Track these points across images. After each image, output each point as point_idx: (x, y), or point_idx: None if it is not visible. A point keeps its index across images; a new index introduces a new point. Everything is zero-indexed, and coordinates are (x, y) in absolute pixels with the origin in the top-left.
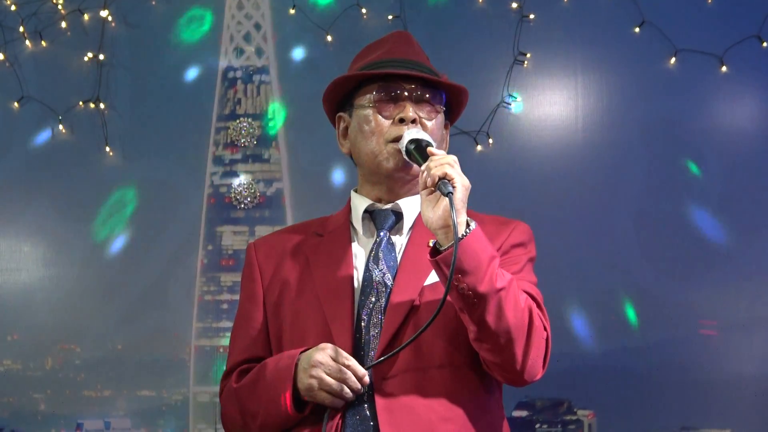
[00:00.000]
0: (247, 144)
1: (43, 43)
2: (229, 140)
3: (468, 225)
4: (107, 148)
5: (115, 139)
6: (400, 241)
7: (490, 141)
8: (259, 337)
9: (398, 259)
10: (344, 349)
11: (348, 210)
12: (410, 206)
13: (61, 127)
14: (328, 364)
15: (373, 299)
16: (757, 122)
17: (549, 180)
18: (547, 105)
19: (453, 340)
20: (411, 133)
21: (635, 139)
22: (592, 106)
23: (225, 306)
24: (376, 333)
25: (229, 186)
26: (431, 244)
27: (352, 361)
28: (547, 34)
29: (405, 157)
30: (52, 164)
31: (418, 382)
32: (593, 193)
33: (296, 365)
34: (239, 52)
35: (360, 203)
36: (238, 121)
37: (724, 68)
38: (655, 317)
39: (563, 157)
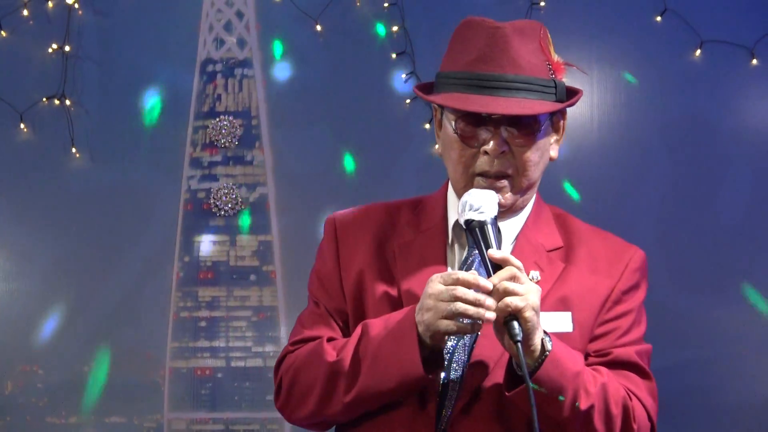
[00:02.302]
0: (227, 145)
1: (2, 33)
2: (208, 140)
3: (543, 348)
4: (73, 150)
5: (83, 140)
6: None
7: None
8: (340, 318)
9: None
10: (429, 390)
11: (444, 204)
12: (510, 226)
13: (22, 126)
14: (438, 293)
15: (452, 345)
16: None
17: (561, 184)
18: None
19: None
20: (473, 204)
21: (656, 139)
22: (609, 103)
23: (203, 324)
24: (457, 377)
25: (208, 191)
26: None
27: (464, 275)
28: (559, 24)
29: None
30: (12, 168)
31: None
32: (610, 199)
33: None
34: (219, 43)
35: (454, 207)
36: (218, 119)
37: (754, 61)
38: (679, 336)
39: (577, 160)
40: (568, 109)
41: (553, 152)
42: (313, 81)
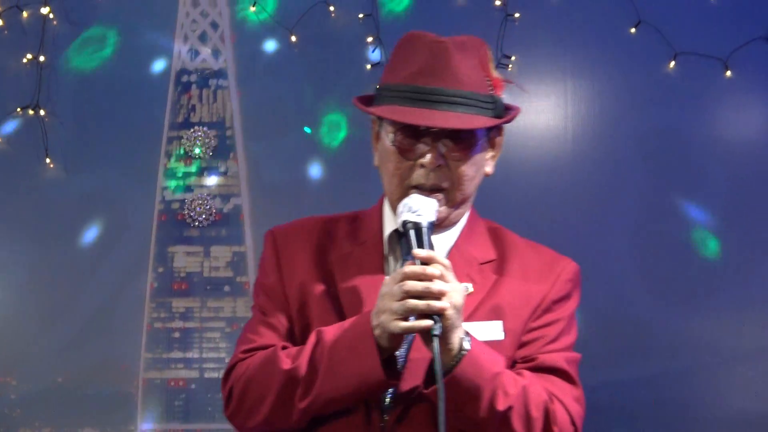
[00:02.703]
0: (202, 155)
1: None
2: (182, 151)
3: (461, 348)
4: (47, 160)
5: (57, 150)
6: None
7: None
8: (287, 328)
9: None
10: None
11: (380, 218)
12: (443, 240)
13: None
14: (390, 293)
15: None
16: (765, 132)
17: (535, 196)
18: (534, 113)
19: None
20: (412, 206)
21: (631, 150)
22: (583, 114)
23: (177, 335)
24: (391, 390)
25: (182, 202)
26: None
27: (410, 268)
28: (533, 35)
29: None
30: None
31: None
32: (584, 210)
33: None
34: (194, 53)
35: (389, 220)
36: (192, 130)
37: (728, 73)
38: (651, 347)
39: (551, 171)
40: (544, 124)
41: (489, 168)
42: (288, 92)
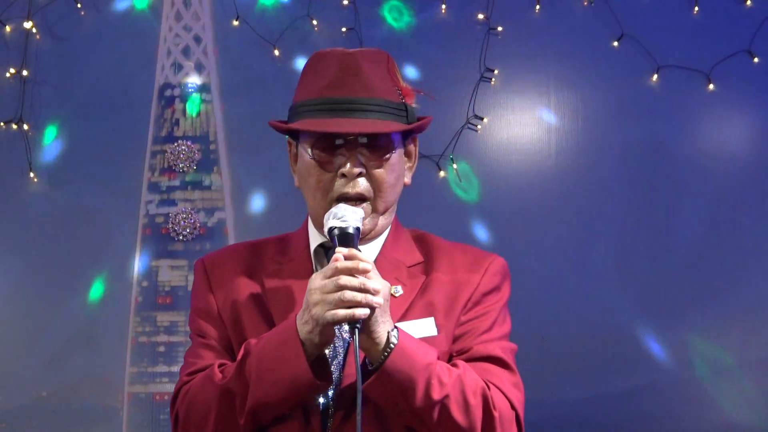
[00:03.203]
0: (186, 169)
1: None
2: (166, 165)
3: (389, 340)
4: (31, 174)
5: (40, 164)
6: None
7: (455, 166)
8: (225, 347)
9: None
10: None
11: (306, 236)
12: (369, 249)
13: None
14: (322, 287)
15: (329, 353)
16: (747, 145)
17: (519, 210)
18: (517, 126)
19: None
20: (337, 213)
21: (614, 164)
22: (567, 128)
23: (162, 348)
24: (332, 393)
25: (167, 216)
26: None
27: (343, 263)
28: (516, 49)
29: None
30: None
31: None
32: (568, 225)
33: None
34: (177, 67)
35: (314, 237)
36: (176, 144)
37: (711, 86)
38: (637, 362)
39: (535, 185)
40: (527, 138)
41: (407, 178)
42: (272, 105)
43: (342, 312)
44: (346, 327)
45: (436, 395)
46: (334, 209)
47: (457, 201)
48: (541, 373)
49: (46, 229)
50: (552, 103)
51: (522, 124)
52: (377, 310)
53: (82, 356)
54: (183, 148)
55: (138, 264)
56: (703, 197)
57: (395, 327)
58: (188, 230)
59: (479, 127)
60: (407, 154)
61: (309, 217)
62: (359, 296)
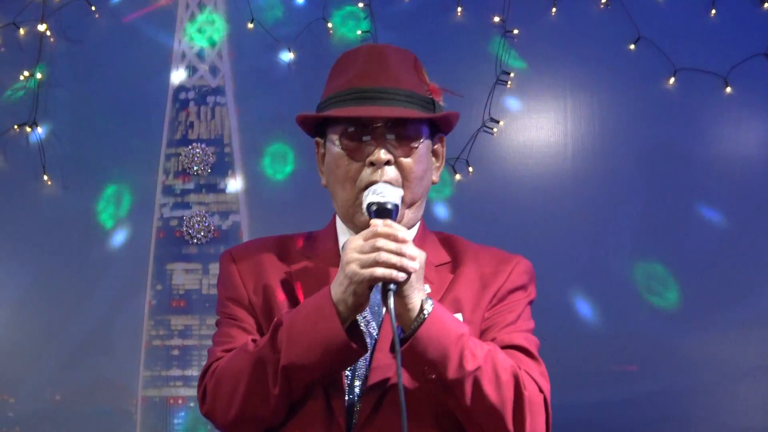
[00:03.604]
0: (200, 172)
1: None
2: (180, 168)
3: (422, 308)
4: (45, 177)
5: (55, 167)
6: None
7: (470, 169)
8: (258, 332)
9: (384, 305)
10: (337, 399)
11: (334, 233)
12: None
13: None
14: (359, 246)
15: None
16: (765, 149)
17: (535, 214)
18: (533, 130)
19: (441, 406)
20: (376, 189)
21: (631, 168)
22: (583, 131)
23: (176, 352)
24: (359, 387)
25: (181, 219)
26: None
27: (382, 228)
28: (532, 52)
29: (367, 216)
30: None
31: None
32: (584, 229)
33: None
34: (192, 70)
35: (343, 234)
36: (190, 146)
37: (728, 89)
38: (655, 366)
39: (551, 188)
40: (543, 141)
41: (435, 176)
42: (286, 108)
43: (380, 271)
44: (375, 317)
45: (469, 366)
46: (372, 187)
47: (472, 205)
48: (553, 376)
49: (59, 233)
50: (568, 106)
51: (538, 128)
52: (413, 276)
53: (95, 360)
54: (197, 151)
55: (152, 267)
56: (721, 201)
57: (428, 295)
58: (202, 233)
59: (495, 130)
60: (434, 154)
61: (336, 216)
62: (395, 258)
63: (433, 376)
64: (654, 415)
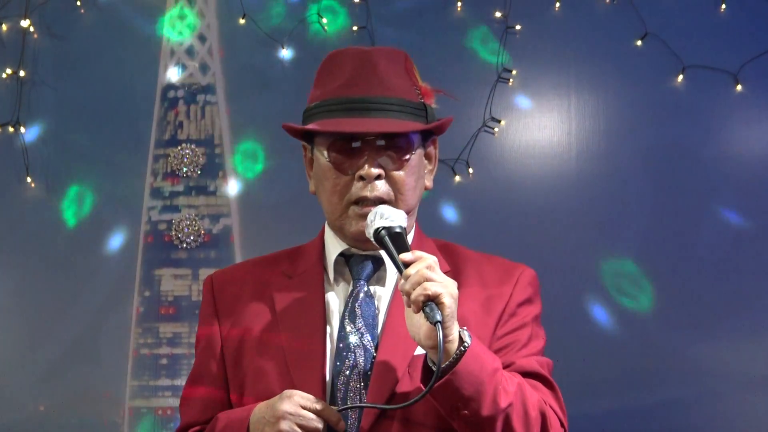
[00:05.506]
0: (190, 174)
1: None
2: (169, 169)
3: (461, 341)
4: (28, 179)
5: (38, 169)
6: (381, 292)
7: (471, 171)
8: (217, 396)
9: (380, 316)
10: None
11: (321, 246)
12: None
13: None
14: (298, 414)
15: (350, 364)
16: None
17: (538, 216)
18: (536, 129)
19: (447, 424)
20: (383, 213)
21: (637, 167)
22: (588, 130)
23: (164, 361)
24: (357, 401)
25: (170, 222)
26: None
27: (324, 406)
28: (535, 48)
29: (374, 242)
30: None
31: None
32: (589, 231)
33: (250, 420)
34: (181, 68)
35: (333, 245)
36: (179, 147)
37: (739, 87)
38: (664, 374)
39: (554, 190)
40: (546, 141)
41: (428, 182)
42: (279, 107)
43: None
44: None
45: (503, 402)
46: (377, 210)
47: (473, 207)
48: (565, 386)
49: (43, 237)
50: (572, 104)
51: (541, 127)
52: (451, 305)
53: (81, 369)
54: (187, 151)
55: (140, 273)
56: (731, 202)
57: (463, 326)
58: (192, 237)
59: (496, 130)
60: (427, 157)
61: (326, 225)
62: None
63: (466, 412)
64: (660, 426)
